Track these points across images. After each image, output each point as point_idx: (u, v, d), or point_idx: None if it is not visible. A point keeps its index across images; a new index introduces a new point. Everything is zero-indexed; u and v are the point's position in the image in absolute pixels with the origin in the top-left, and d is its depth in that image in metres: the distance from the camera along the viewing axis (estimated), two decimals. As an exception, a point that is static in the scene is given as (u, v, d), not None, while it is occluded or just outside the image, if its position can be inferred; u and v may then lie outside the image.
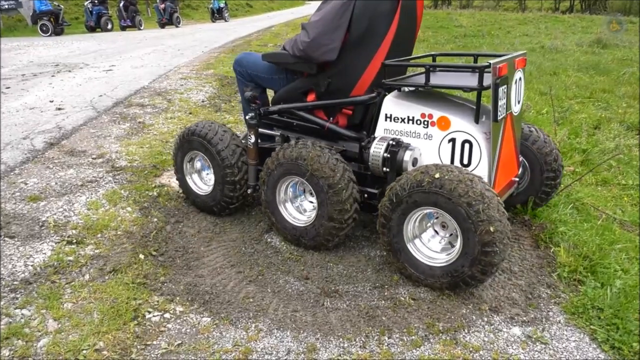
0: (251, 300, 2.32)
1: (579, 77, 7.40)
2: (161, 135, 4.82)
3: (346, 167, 2.53)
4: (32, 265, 2.53)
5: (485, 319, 2.19)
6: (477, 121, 2.35)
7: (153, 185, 3.57)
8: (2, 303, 2.23)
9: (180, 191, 3.36)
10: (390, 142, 2.48)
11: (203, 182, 3.22)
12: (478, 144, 2.34)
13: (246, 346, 2.01)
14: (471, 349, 2.01)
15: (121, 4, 18.43)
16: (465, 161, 2.39)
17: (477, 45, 11.42)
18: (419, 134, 2.49)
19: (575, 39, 12.03)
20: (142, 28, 18.78)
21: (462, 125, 2.36)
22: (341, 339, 2.06)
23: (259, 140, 2.92)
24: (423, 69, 2.47)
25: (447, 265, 2.26)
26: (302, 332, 2.11)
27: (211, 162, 2.98)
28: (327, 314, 2.23)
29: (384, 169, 2.48)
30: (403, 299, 2.33)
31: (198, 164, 3.21)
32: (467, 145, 2.36)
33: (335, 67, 2.59)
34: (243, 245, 2.82)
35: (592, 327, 2.13)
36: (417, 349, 2.01)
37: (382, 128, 2.59)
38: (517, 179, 2.70)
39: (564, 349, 2.02)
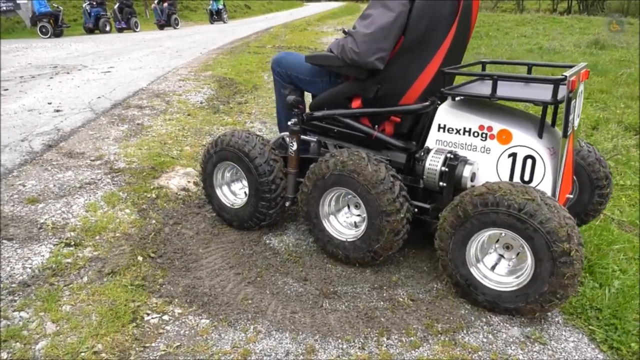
0: (250, 301, 2.32)
1: (577, 78, 7.40)
2: (160, 137, 4.82)
3: (402, 187, 2.37)
4: (30, 268, 2.53)
5: (484, 320, 2.19)
6: (540, 136, 2.23)
7: (151, 187, 3.57)
8: (0, 305, 2.23)
9: (179, 195, 3.35)
10: (448, 155, 2.33)
11: (234, 194, 3.06)
12: (542, 160, 2.20)
13: (245, 348, 2.01)
14: (470, 350, 2.01)
15: (116, 6, 18.42)
16: (527, 178, 2.25)
17: (476, 46, 11.43)
18: (475, 146, 2.34)
19: (573, 40, 12.06)
20: (137, 30, 18.76)
21: (525, 140, 2.22)
22: (340, 340, 2.06)
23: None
24: (472, 78, 2.38)
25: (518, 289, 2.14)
26: (300, 333, 2.11)
27: (247, 176, 2.82)
28: (326, 315, 2.23)
29: (441, 183, 2.34)
30: (402, 300, 2.33)
31: (227, 175, 3.05)
32: (529, 161, 2.23)
33: (387, 73, 2.42)
34: (242, 247, 2.82)
35: (590, 327, 2.13)
36: (416, 349, 2.01)
37: (434, 139, 2.45)
38: (571, 196, 2.57)
39: (562, 349, 2.02)
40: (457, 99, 2.44)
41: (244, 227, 2.97)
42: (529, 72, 2.74)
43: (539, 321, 2.19)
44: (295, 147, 2.73)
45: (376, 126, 2.65)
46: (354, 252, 2.53)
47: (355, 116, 2.66)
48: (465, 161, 2.31)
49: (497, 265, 2.26)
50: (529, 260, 2.07)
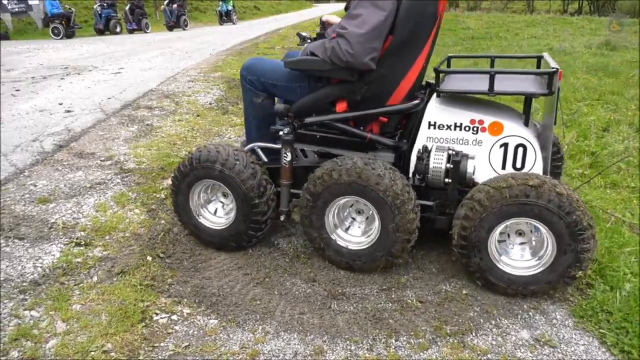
0: (258, 302, 2.32)
1: (587, 79, 7.35)
2: (169, 137, 4.84)
3: (414, 194, 2.38)
4: (41, 267, 2.55)
5: (493, 322, 2.18)
6: (527, 125, 2.39)
7: (161, 187, 3.59)
8: (11, 304, 2.25)
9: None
10: (450, 152, 2.39)
11: (214, 214, 2.81)
12: (533, 147, 2.36)
13: (253, 348, 2.02)
14: (479, 352, 2.00)
15: (127, 7, 18.57)
16: (519, 165, 2.40)
17: (485, 47, 11.39)
18: (467, 140, 2.45)
19: (584, 41, 11.96)
20: (148, 31, 18.89)
21: (516, 130, 2.37)
22: (348, 342, 2.06)
23: (265, 158, 2.75)
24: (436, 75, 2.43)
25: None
26: (309, 334, 2.11)
27: (234, 196, 2.60)
28: (334, 316, 2.23)
29: (446, 180, 2.39)
30: (410, 301, 2.33)
31: (203, 195, 2.79)
32: (520, 149, 2.37)
33: (375, 73, 2.39)
34: (250, 248, 2.82)
35: (601, 330, 2.11)
36: (425, 351, 2.01)
37: (425, 136, 2.50)
38: None
39: (572, 352, 2.01)
40: (442, 95, 2.50)
41: (228, 248, 2.76)
42: (492, 64, 2.90)
43: (549, 324, 2.17)
44: (289, 157, 2.57)
45: (361, 128, 2.61)
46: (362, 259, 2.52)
47: (347, 120, 2.59)
48: (466, 156, 2.38)
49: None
50: (549, 250, 2.23)
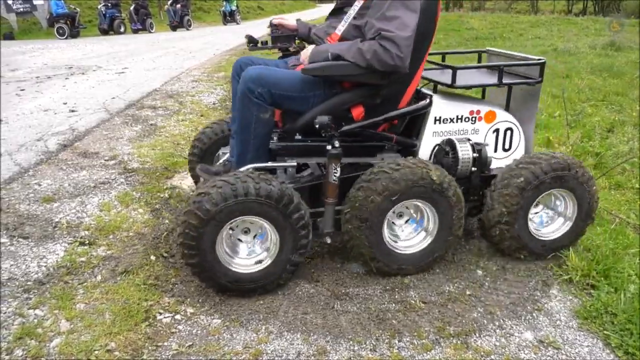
0: (261, 302, 2.32)
1: (592, 80, 7.34)
2: (173, 137, 4.85)
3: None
4: (45, 266, 2.56)
5: (497, 323, 2.18)
6: (508, 110, 2.73)
7: (164, 187, 3.60)
8: (15, 303, 2.26)
9: None
10: (471, 142, 2.56)
11: (244, 256, 2.38)
12: (518, 129, 2.71)
13: (256, 348, 2.02)
14: (482, 353, 1.99)
15: (132, 7, 18.65)
16: (507, 146, 2.73)
17: (489, 47, 11.36)
18: (466, 130, 2.65)
19: (588, 42, 11.94)
20: (153, 31, 18.97)
21: (505, 116, 2.69)
22: (351, 342, 2.06)
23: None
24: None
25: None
26: (312, 334, 2.11)
27: (278, 232, 2.28)
28: (338, 316, 2.23)
29: (472, 169, 2.56)
30: (413, 302, 2.32)
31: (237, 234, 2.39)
32: (508, 132, 2.70)
33: (396, 75, 2.34)
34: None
35: (605, 332, 2.10)
36: (428, 352, 2.00)
37: (431, 131, 2.62)
38: None
39: (576, 354, 2.00)
40: (439, 91, 2.69)
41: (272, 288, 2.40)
42: (443, 59, 3.12)
43: (553, 325, 2.17)
44: (338, 173, 2.34)
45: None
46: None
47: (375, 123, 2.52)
48: (483, 144, 2.59)
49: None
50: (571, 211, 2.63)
